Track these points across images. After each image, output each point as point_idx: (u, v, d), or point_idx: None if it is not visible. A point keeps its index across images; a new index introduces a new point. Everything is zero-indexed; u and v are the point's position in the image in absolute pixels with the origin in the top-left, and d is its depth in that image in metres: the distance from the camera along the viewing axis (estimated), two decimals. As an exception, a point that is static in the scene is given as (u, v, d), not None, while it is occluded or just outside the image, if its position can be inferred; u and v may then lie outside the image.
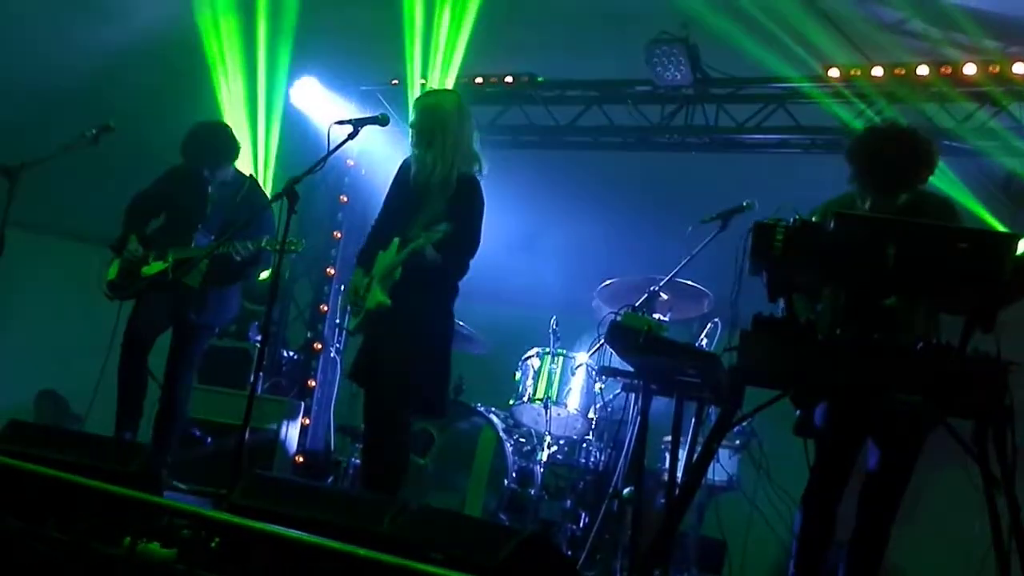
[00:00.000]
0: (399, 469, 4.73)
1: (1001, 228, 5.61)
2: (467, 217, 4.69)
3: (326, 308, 8.38)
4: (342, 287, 7.86)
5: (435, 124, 4.77)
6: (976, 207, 6.39)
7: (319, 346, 8.29)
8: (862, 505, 4.24)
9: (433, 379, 4.72)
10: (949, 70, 6.52)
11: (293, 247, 5.29)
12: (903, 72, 6.62)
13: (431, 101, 4.94)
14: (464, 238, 4.67)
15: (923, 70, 6.57)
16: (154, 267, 5.79)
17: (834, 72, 6.80)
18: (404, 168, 4.96)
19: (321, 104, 8.19)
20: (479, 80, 7.80)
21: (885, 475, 4.21)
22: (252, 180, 6.07)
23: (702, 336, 6.15)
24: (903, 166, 4.16)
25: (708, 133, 7.44)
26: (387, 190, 5.06)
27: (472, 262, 4.79)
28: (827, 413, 4.20)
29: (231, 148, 6.01)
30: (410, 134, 4.87)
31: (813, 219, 4.02)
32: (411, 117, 4.98)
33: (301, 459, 7.61)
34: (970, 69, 6.45)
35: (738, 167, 7.57)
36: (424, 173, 4.78)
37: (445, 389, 4.84)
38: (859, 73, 6.75)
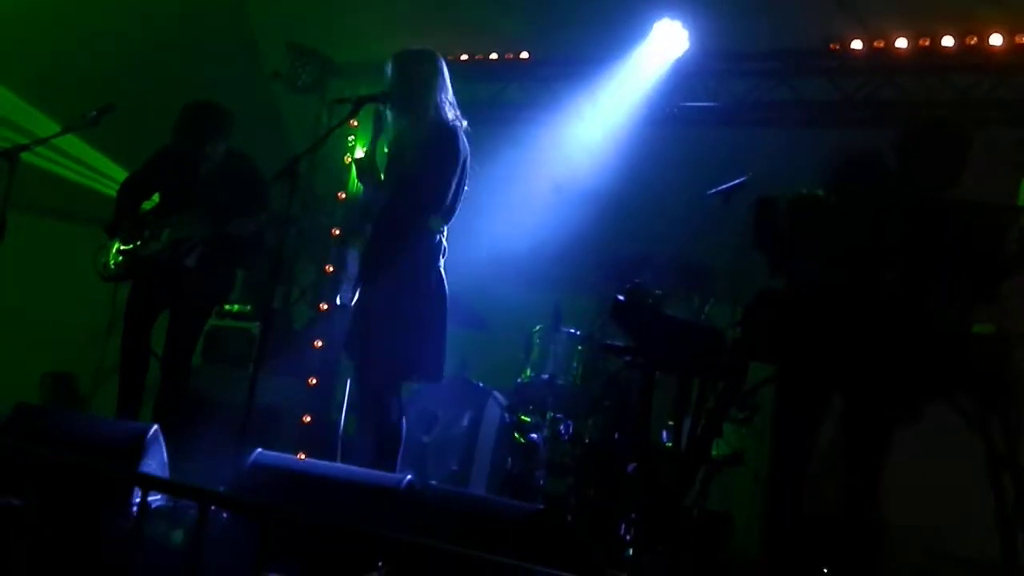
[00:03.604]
0: (393, 441, 4.63)
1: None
2: (417, 165, 4.58)
3: (331, 268, 8.40)
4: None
5: (397, 88, 4.72)
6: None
7: (325, 306, 8.29)
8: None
9: (422, 343, 4.56)
10: (975, 40, 6.32)
11: (293, 221, 5.25)
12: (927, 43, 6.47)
13: (390, 68, 4.83)
14: (411, 190, 4.57)
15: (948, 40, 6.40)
16: (150, 247, 5.80)
17: (857, 44, 6.69)
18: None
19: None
20: (479, 56, 7.76)
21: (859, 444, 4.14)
22: (243, 157, 6.00)
23: (705, 311, 6.14)
24: (958, 166, 4.14)
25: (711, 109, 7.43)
26: None
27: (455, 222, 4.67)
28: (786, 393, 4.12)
29: (224, 124, 5.96)
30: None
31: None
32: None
33: (306, 426, 7.61)
34: (996, 39, 6.24)
35: (739, 142, 7.54)
36: (398, 134, 4.78)
37: (436, 352, 4.61)
38: (883, 44, 6.63)
